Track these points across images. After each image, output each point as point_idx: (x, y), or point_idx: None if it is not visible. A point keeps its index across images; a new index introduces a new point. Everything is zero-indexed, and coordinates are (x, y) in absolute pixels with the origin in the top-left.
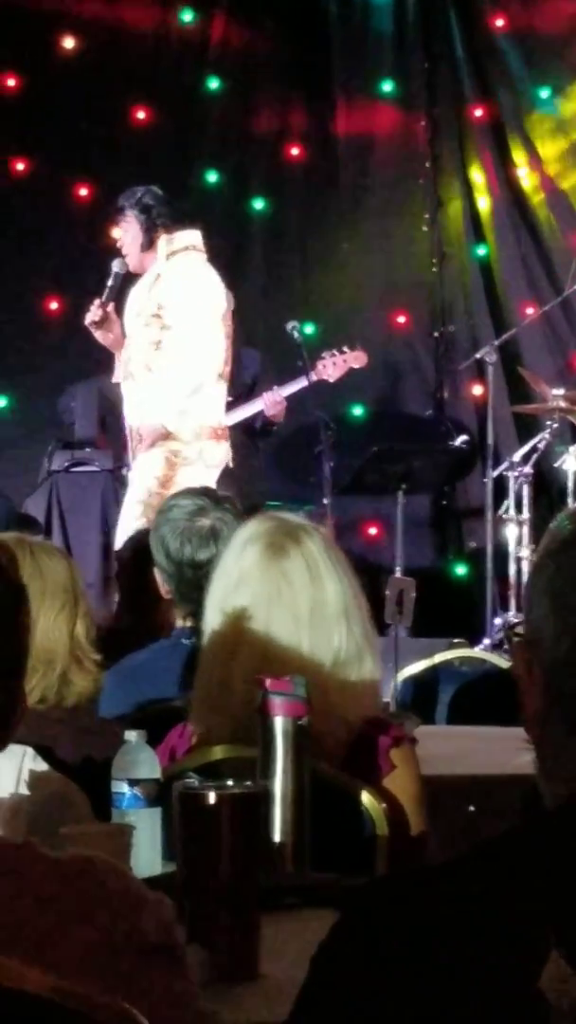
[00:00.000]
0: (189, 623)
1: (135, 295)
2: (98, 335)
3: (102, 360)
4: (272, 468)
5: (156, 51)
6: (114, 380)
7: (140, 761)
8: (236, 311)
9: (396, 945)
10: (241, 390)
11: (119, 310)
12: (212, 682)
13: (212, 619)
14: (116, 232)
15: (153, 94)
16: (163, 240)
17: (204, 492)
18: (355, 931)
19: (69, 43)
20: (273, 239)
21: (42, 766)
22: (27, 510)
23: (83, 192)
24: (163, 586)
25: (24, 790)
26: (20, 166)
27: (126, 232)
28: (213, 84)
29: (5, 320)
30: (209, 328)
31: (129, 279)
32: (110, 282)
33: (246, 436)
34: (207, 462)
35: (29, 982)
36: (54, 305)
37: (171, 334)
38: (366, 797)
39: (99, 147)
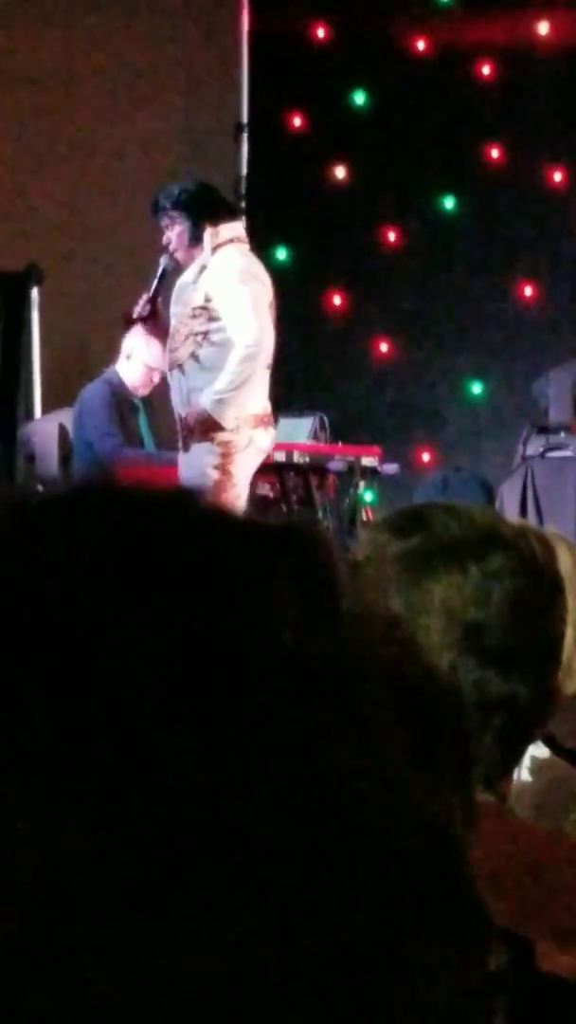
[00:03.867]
0: None
1: (181, 286)
2: (145, 330)
3: None
4: None
5: None
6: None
7: None
8: None
9: None
10: None
11: (165, 304)
12: None
13: None
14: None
15: None
16: (208, 233)
17: None
18: None
19: (543, 28)
20: None
21: (545, 752)
22: (502, 495)
23: (557, 177)
24: None
25: (527, 776)
26: (495, 152)
27: (171, 230)
28: None
29: (482, 308)
30: (257, 320)
31: (176, 272)
32: (157, 277)
33: None
34: (259, 448)
35: (561, 967)
36: (528, 291)
37: (219, 326)
38: None
39: (572, 130)
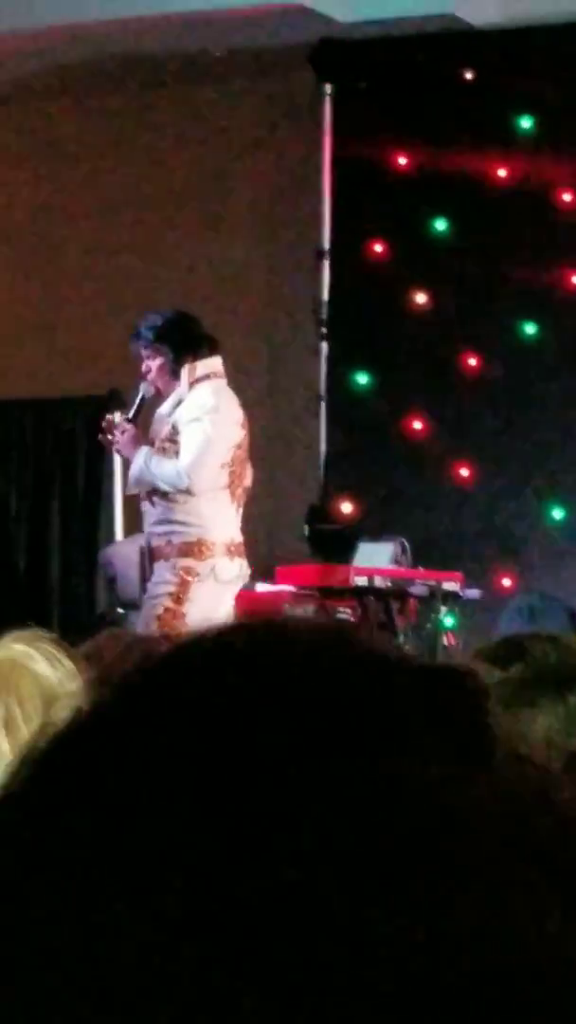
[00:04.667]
0: None
1: (157, 418)
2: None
3: None
4: None
5: None
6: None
7: None
8: None
9: None
10: None
11: (145, 429)
12: None
13: None
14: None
15: None
16: (186, 369)
17: None
18: None
19: None
20: None
21: None
22: None
23: None
24: None
25: None
26: (575, 279)
27: (152, 360)
28: None
29: (562, 433)
30: (203, 459)
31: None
32: (136, 403)
33: None
34: (222, 578)
35: None
36: None
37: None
38: None
39: None
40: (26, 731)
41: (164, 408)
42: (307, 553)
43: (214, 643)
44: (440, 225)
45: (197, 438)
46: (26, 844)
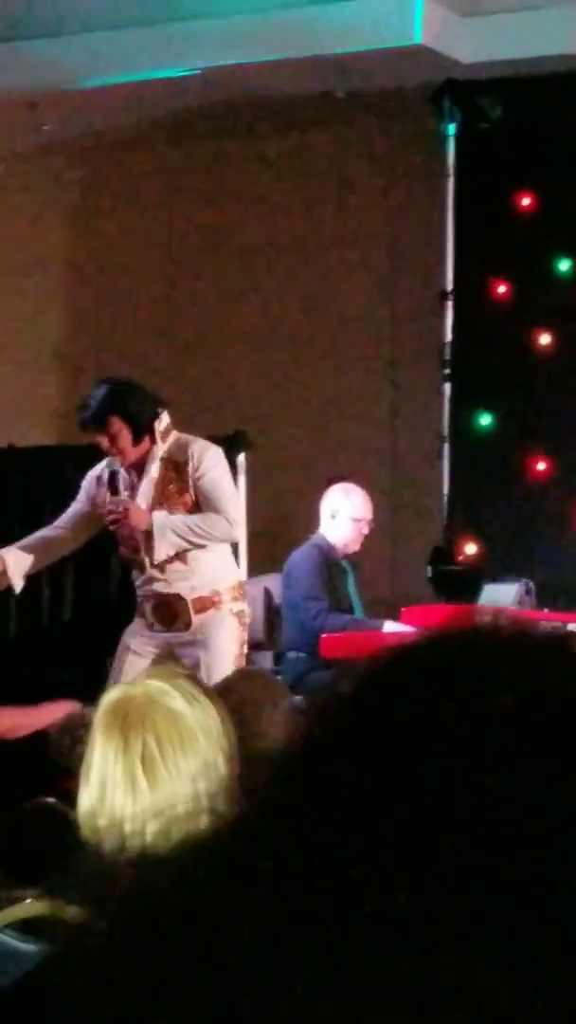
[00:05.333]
0: None
1: (146, 486)
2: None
3: None
4: None
5: None
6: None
7: None
8: None
9: None
10: None
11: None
12: None
13: None
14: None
15: None
16: (159, 425)
17: None
18: None
19: None
20: None
21: None
22: None
23: None
24: None
25: None
26: None
27: (117, 436)
28: None
29: None
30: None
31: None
32: (122, 485)
33: None
34: (243, 621)
35: None
36: None
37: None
38: None
39: None
40: (163, 768)
41: (150, 472)
42: (430, 594)
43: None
44: (563, 265)
45: (228, 486)
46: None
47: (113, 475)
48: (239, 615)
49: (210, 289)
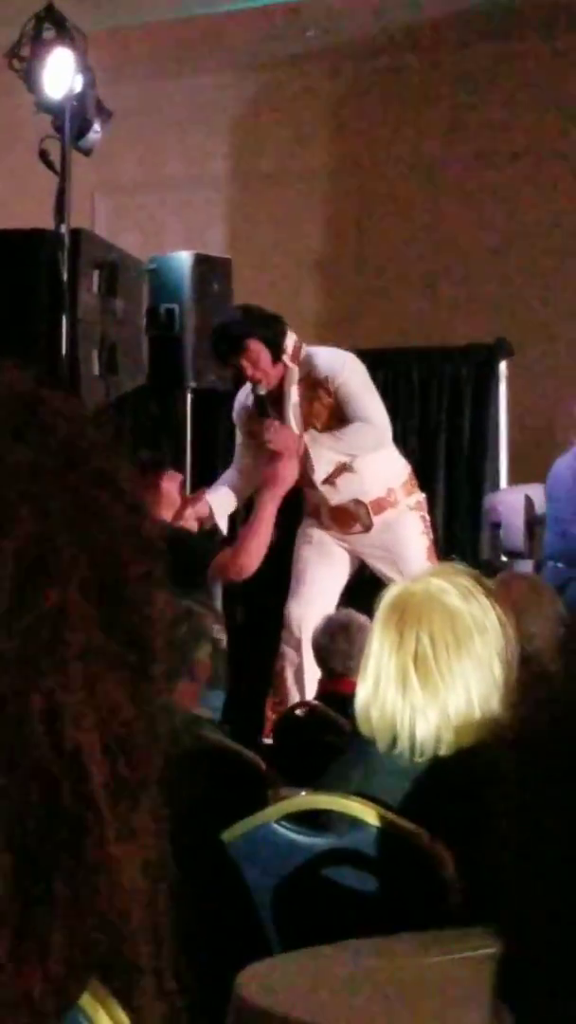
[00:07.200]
0: None
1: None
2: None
3: None
4: None
5: None
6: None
7: None
8: None
9: None
10: None
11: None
12: None
13: None
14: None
15: None
16: (290, 344)
17: None
18: None
19: None
20: None
21: None
22: None
23: None
24: None
25: None
26: None
27: (258, 359)
28: None
29: None
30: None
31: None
32: (260, 404)
33: None
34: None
35: None
36: None
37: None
38: None
39: None
40: (435, 667)
41: (291, 392)
42: None
43: None
44: None
45: (368, 392)
46: None
47: (259, 399)
48: (417, 506)
49: (475, 200)
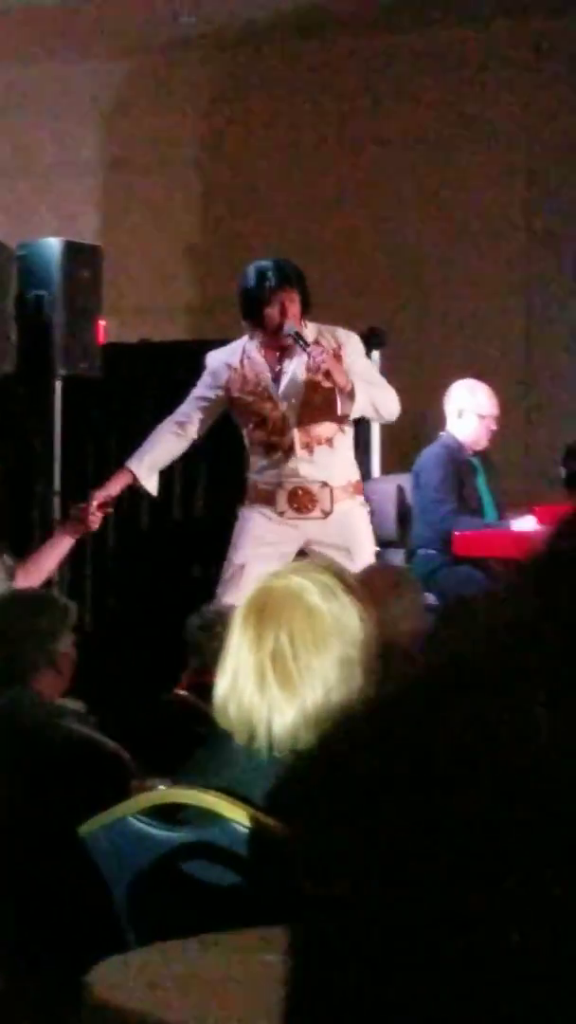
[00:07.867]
0: None
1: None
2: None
3: None
4: None
5: None
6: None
7: None
8: None
9: None
10: None
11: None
12: None
13: None
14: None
15: None
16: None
17: None
18: None
19: None
20: None
21: None
22: None
23: None
24: None
25: None
26: None
27: (293, 304)
28: None
29: None
30: None
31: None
32: (301, 337)
33: None
34: None
35: None
36: None
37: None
38: None
39: None
40: (292, 665)
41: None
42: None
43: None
44: None
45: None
46: None
47: (297, 335)
48: (365, 505)
49: (345, 186)
